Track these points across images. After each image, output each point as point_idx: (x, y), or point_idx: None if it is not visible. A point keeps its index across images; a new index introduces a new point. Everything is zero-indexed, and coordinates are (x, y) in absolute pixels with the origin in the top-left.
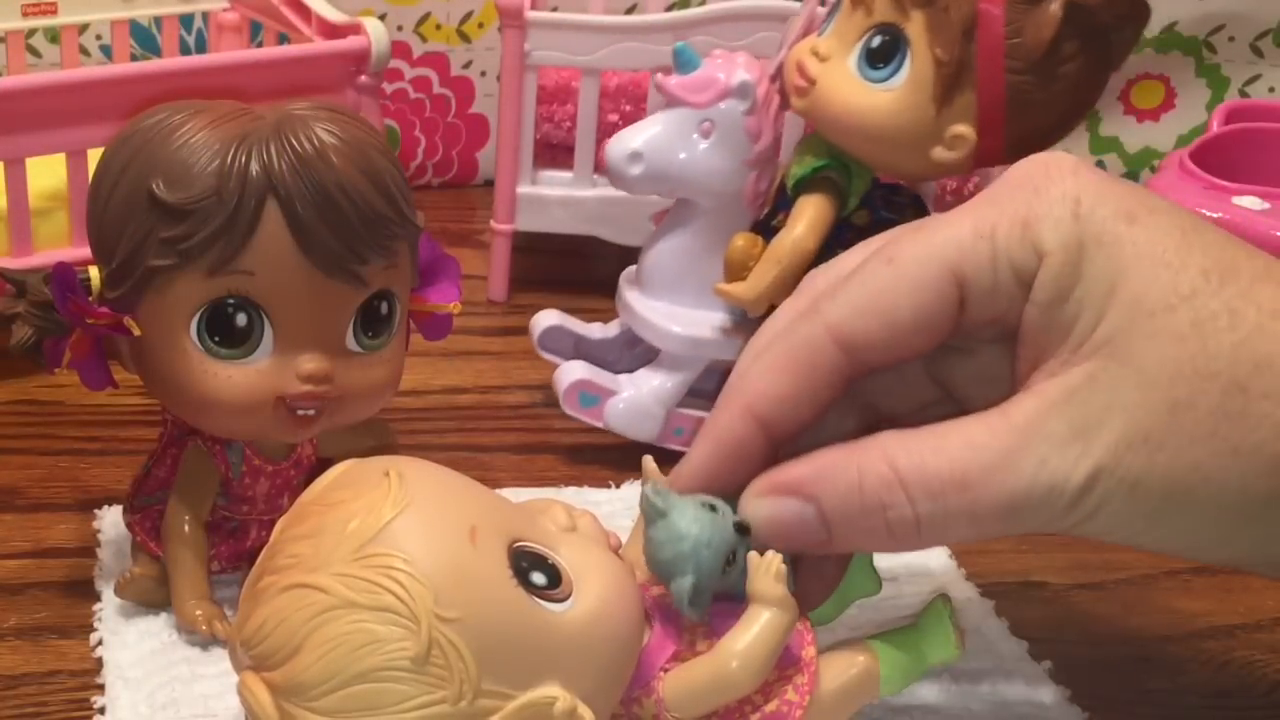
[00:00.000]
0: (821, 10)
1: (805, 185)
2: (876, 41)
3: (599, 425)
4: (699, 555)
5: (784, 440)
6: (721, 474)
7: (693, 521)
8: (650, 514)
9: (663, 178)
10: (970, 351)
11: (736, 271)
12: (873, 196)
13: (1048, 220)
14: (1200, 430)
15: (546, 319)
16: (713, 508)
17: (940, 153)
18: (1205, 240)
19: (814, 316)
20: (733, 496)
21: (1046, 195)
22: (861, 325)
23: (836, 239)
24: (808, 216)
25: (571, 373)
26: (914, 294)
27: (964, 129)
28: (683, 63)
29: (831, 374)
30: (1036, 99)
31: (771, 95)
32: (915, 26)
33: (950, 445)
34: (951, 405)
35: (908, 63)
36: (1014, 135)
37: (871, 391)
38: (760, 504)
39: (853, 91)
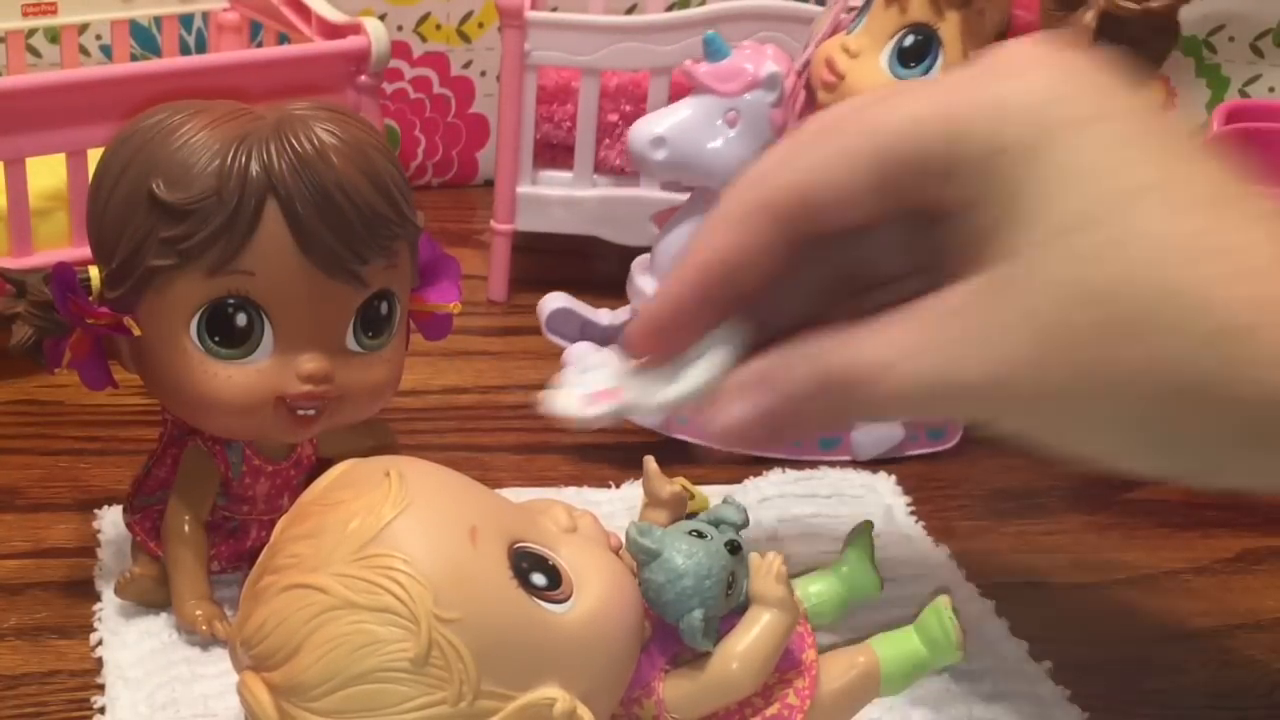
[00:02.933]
0: (845, 17)
1: None
2: (909, 40)
3: None
4: (702, 589)
5: (749, 296)
6: (666, 322)
7: (688, 556)
8: (642, 557)
9: (685, 165)
10: (942, 222)
11: None
12: None
13: (976, 121)
14: (1090, 354)
15: (554, 301)
16: (700, 534)
17: None
18: (1137, 153)
19: (749, 179)
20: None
21: (983, 92)
22: (791, 188)
23: None
24: None
25: (580, 355)
26: (840, 169)
27: None
28: (712, 51)
29: (769, 232)
30: None
31: (798, 90)
32: (949, 27)
33: (870, 342)
34: (925, 279)
35: (939, 63)
36: None
37: (853, 261)
38: (726, 408)
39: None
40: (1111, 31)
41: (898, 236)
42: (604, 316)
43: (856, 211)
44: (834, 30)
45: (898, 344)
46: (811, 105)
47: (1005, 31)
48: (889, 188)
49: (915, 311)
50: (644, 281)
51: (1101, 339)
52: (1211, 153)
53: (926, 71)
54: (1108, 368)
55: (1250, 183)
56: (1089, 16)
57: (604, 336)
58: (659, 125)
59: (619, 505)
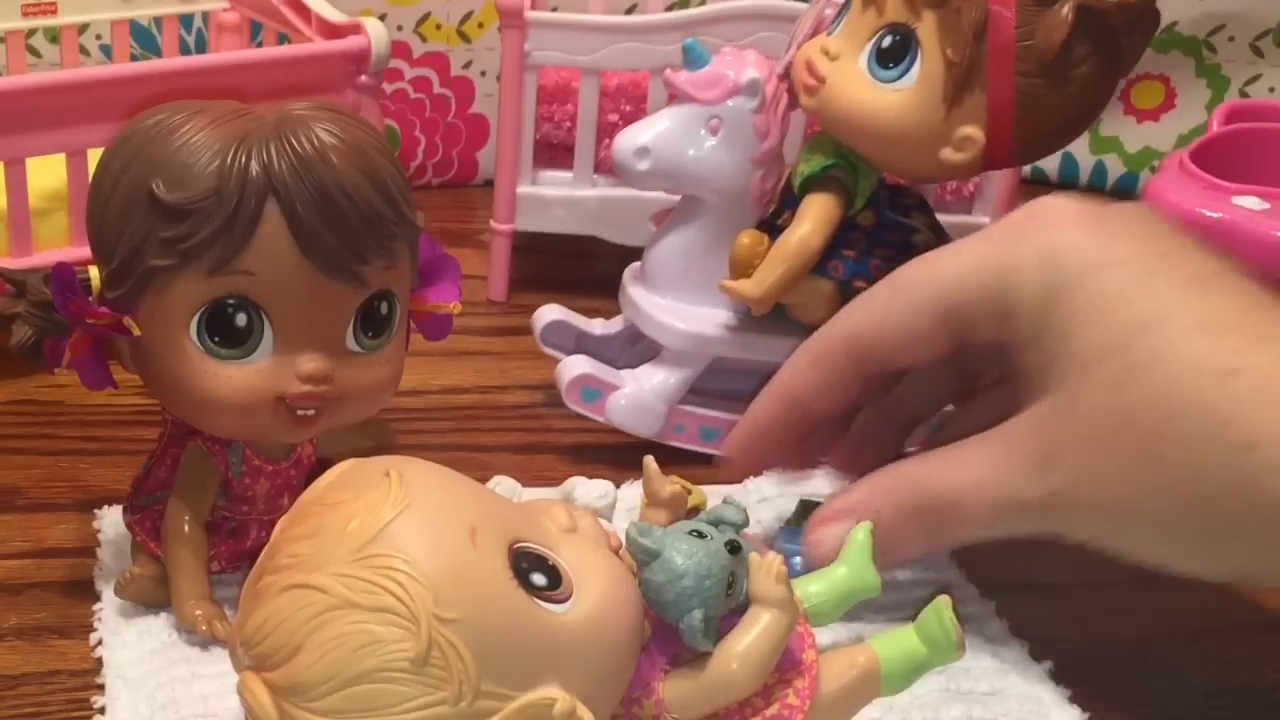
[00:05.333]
0: (830, 11)
1: (812, 184)
2: (887, 41)
3: (600, 420)
4: (702, 588)
5: (819, 424)
6: (754, 449)
7: (688, 556)
8: (642, 556)
9: (670, 174)
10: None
11: (742, 269)
12: (879, 197)
13: (1024, 272)
14: (1127, 470)
15: (548, 314)
16: (700, 534)
17: (949, 154)
18: (1154, 288)
19: (829, 327)
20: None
21: (1027, 245)
22: (865, 337)
23: (842, 239)
24: (814, 215)
25: (574, 367)
26: (907, 316)
27: (973, 130)
28: (692, 59)
29: (844, 372)
30: (1046, 102)
31: (780, 93)
32: (926, 27)
33: (952, 471)
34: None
35: (918, 63)
36: (1022, 138)
37: (909, 393)
38: (825, 532)
39: (862, 91)
40: (1088, 25)
41: (941, 375)
42: (598, 327)
43: (919, 352)
44: (815, 30)
45: (973, 470)
46: (795, 108)
47: (983, 29)
48: (949, 330)
49: (985, 440)
50: (636, 291)
51: (1138, 455)
52: (1231, 280)
53: (905, 73)
54: (1148, 477)
55: (1266, 302)
56: (1066, 10)
57: (598, 348)
58: (642, 135)
59: (619, 506)
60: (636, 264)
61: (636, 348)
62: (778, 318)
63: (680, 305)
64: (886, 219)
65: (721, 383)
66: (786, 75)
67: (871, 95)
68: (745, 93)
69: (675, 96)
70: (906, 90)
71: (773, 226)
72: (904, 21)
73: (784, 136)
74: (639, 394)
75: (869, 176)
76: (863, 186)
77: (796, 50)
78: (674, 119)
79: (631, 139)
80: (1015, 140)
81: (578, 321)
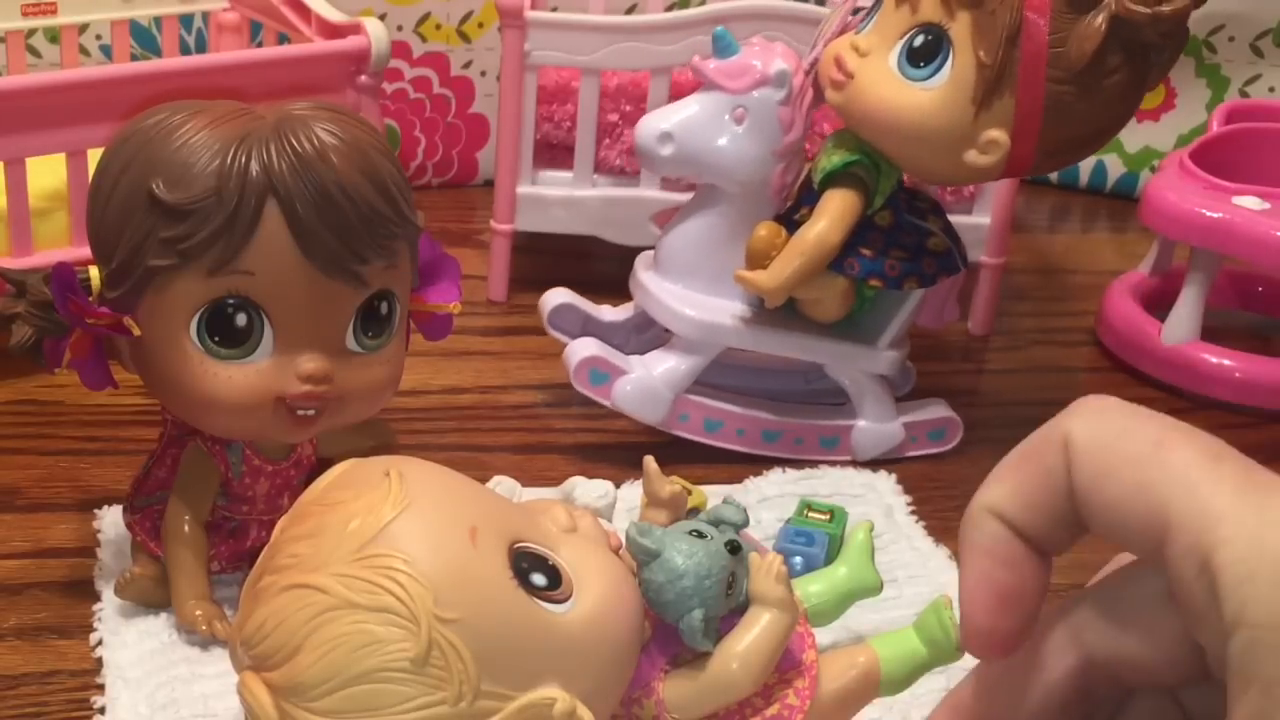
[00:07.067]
0: (853, 18)
1: (833, 179)
2: (919, 40)
3: (606, 404)
4: (702, 588)
5: None
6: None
7: (688, 556)
8: (642, 556)
9: (691, 161)
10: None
11: (758, 260)
12: (896, 198)
13: None
14: None
15: (556, 297)
16: (700, 534)
17: (973, 156)
18: None
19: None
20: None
21: None
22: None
23: (859, 237)
24: (833, 210)
25: (583, 349)
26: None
27: (999, 134)
28: (721, 47)
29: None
30: (1075, 110)
31: (805, 88)
32: (960, 28)
33: None
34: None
35: (949, 63)
36: (1047, 144)
37: None
38: None
39: (891, 88)
40: (1121, 36)
41: None
42: (606, 313)
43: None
44: (842, 30)
45: None
46: (819, 104)
47: (1016, 34)
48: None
49: None
50: (647, 277)
51: None
52: None
53: (935, 72)
54: None
55: None
56: (1099, 20)
57: (606, 334)
58: (666, 121)
59: (619, 506)
60: (649, 251)
61: (644, 336)
62: (790, 312)
63: (693, 293)
64: (904, 220)
65: (729, 377)
66: (812, 71)
67: (900, 93)
68: (773, 84)
69: (699, 84)
70: (936, 90)
71: (790, 221)
72: (938, 21)
73: (807, 132)
74: (646, 380)
75: (890, 175)
76: (883, 185)
77: (824, 47)
78: (699, 105)
79: (655, 124)
80: (1040, 146)
81: (586, 306)
